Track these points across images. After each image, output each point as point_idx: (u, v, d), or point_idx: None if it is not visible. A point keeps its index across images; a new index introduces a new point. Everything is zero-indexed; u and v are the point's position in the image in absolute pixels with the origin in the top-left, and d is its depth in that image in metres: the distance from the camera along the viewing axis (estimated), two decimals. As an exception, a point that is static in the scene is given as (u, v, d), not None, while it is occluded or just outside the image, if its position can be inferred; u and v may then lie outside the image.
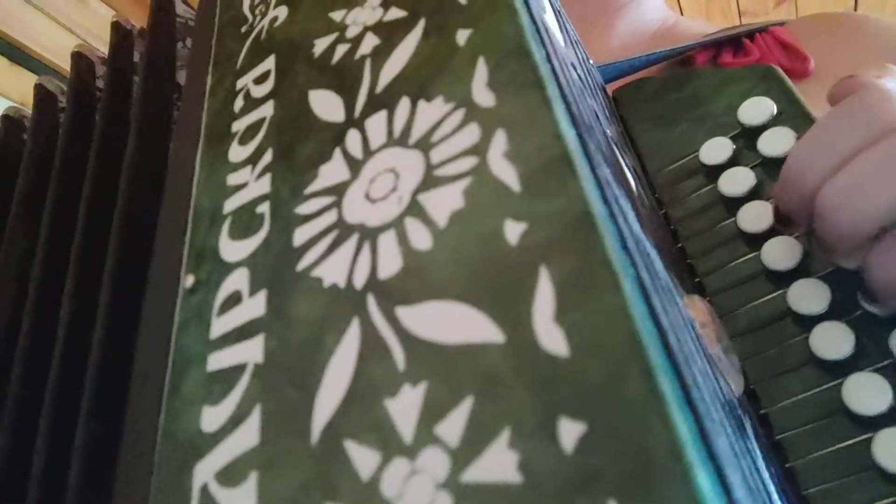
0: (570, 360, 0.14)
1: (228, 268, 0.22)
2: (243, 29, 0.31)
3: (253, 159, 0.25)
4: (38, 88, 0.44)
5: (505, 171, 0.18)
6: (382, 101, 0.22)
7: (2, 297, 0.33)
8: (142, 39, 0.43)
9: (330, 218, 0.21)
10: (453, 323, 0.16)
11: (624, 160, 0.36)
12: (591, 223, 0.15)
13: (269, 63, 0.28)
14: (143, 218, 0.27)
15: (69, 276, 0.28)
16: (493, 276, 0.16)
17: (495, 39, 0.21)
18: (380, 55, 0.24)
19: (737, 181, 0.40)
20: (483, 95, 0.20)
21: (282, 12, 0.30)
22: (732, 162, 0.41)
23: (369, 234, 0.19)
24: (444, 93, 0.21)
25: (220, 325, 0.21)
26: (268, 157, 0.24)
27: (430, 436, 0.15)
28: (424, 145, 0.20)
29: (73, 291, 0.28)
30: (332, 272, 0.19)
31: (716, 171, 0.41)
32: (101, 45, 0.44)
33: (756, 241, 0.38)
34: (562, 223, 0.16)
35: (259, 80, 0.28)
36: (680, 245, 0.41)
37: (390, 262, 0.18)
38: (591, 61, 0.48)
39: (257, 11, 0.31)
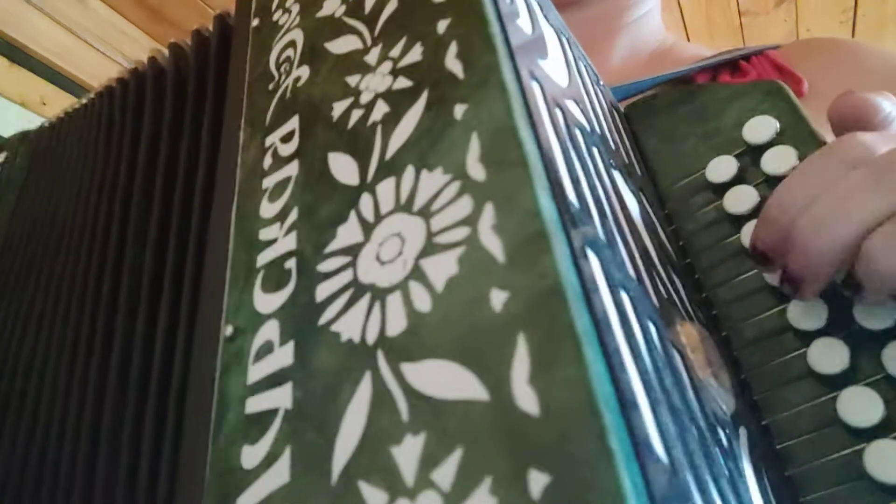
0: (540, 419, 0.17)
1: (262, 318, 0.26)
2: (270, 86, 0.34)
3: (281, 217, 0.28)
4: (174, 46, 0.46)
5: (492, 243, 0.20)
6: (391, 167, 0.25)
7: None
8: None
9: (346, 277, 0.24)
10: (448, 380, 0.19)
11: (630, 187, 0.39)
12: (559, 297, 0.18)
13: (294, 123, 0.31)
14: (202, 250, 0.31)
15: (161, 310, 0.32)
16: (480, 338, 0.19)
17: (487, 116, 0.23)
18: (389, 122, 0.27)
19: (741, 199, 0.42)
20: (476, 169, 0.22)
21: (304, 72, 0.33)
22: (738, 179, 0.43)
23: (379, 295, 0.22)
24: (443, 164, 0.23)
25: (256, 372, 0.24)
26: (294, 215, 0.28)
27: (428, 480, 0.18)
28: (426, 213, 0.23)
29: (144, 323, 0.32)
30: (349, 328, 0.23)
31: (722, 189, 0.43)
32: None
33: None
34: (535, 295, 0.19)
35: (285, 139, 0.31)
36: (688, 260, 0.44)
37: (397, 321, 0.21)
38: (602, 82, 0.50)
39: (282, 69, 0.34)
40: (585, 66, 0.45)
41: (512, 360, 0.18)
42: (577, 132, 0.31)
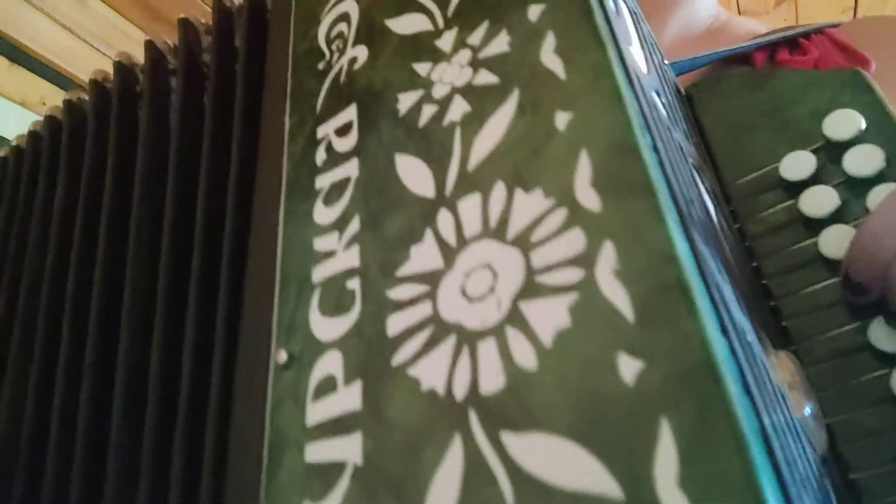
0: (695, 536, 0.14)
1: (321, 347, 0.22)
2: (321, 66, 0.30)
3: (340, 225, 0.25)
4: (149, 45, 0.42)
5: (616, 294, 0.17)
6: (475, 181, 0.22)
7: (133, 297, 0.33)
8: (240, 18, 0.42)
9: (425, 310, 0.21)
10: (564, 463, 0.16)
11: (706, 188, 0.35)
12: (710, 369, 0.15)
13: (352, 113, 0.27)
14: (240, 254, 0.27)
15: (188, 319, 0.28)
16: (609, 418, 0.16)
17: (599, 130, 0.20)
18: (470, 126, 0.23)
19: (819, 201, 0.39)
20: (587, 196, 0.19)
21: (361, 53, 0.29)
22: (815, 178, 0.40)
23: (468, 338, 0.19)
24: (544, 185, 0.20)
25: (317, 412, 0.21)
26: (355, 224, 0.24)
27: (545, 591, 0.15)
28: (524, 244, 0.20)
29: (194, 327, 0.28)
30: (430, 375, 0.19)
31: (797, 188, 0.40)
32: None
33: (837, 266, 0.37)
34: (681, 368, 0.15)
35: (341, 132, 0.27)
36: (755, 264, 0.40)
37: (493, 377, 0.18)
38: (666, 61, 0.46)
39: (334, 47, 0.30)
40: (653, 44, 0.41)
41: (654, 452, 0.15)
42: (670, 135, 0.27)
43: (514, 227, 0.20)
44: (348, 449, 0.20)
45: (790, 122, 0.43)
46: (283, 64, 0.32)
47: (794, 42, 0.59)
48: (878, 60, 0.53)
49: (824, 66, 0.54)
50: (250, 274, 0.26)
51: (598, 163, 0.19)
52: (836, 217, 0.38)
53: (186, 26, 0.40)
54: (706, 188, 0.36)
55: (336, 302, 0.23)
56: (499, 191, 0.21)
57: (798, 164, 0.41)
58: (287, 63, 0.32)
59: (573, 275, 0.18)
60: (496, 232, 0.20)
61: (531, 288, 0.19)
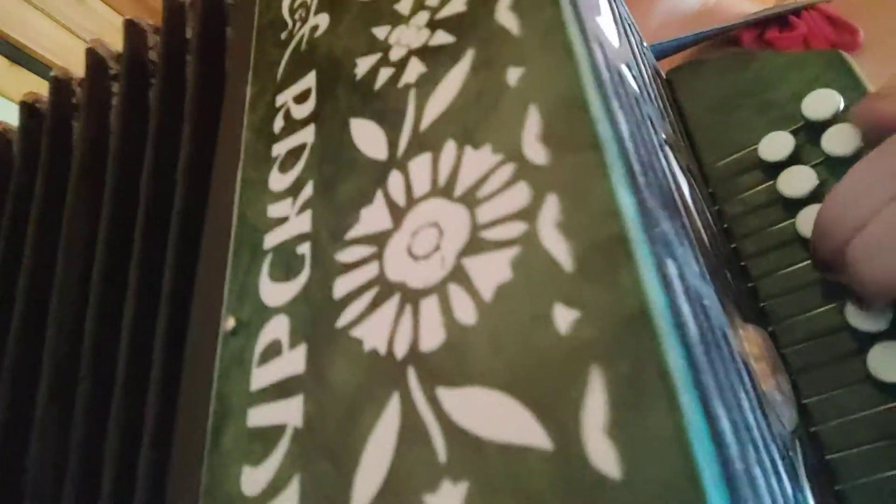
0: (621, 486, 0.13)
1: (269, 313, 0.22)
2: (283, 35, 0.30)
3: (293, 191, 0.24)
4: (90, 52, 0.43)
5: (556, 245, 0.17)
6: (427, 141, 0.21)
7: (67, 295, 0.33)
8: (193, 11, 0.42)
9: (371, 271, 0.20)
10: (497, 416, 0.15)
11: (679, 165, 0.34)
12: (648, 323, 0.14)
13: (310, 80, 0.27)
14: (196, 228, 0.27)
15: (128, 297, 0.28)
16: (541, 368, 0.15)
17: (549, 84, 0.19)
18: (425, 86, 0.22)
19: (797, 181, 0.38)
20: (534, 150, 0.18)
21: (323, 21, 0.28)
22: (794, 159, 0.39)
23: (411, 297, 0.19)
24: (493, 141, 0.19)
25: (261, 377, 0.21)
26: (308, 190, 0.24)
27: (471, 546, 0.14)
28: (470, 201, 0.19)
29: (132, 309, 0.28)
30: (373, 335, 0.19)
31: (775, 168, 0.39)
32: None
33: (817, 247, 0.36)
34: (615, 318, 0.15)
35: (300, 99, 0.27)
36: (734, 245, 0.40)
37: (433, 333, 0.18)
38: (645, 43, 0.45)
39: (297, 16, 0.30)
40: (630, 24, 0.40)
41: (583, 400, 0.14)
42: (636, 104, 0.26)
43: (462, 185, 0.19)
44: (289, 412, 0.19)
45: (770, 104, 0.42)
46: (246, 36, 0.32)
47: (783, 20, 0.58)
48: (868, 29, 0.52)
49: (813, 39, 0.53)
50: (205, 244, 0.26)
51: (546, 117, 0.19)
52: (815, 197, 0.37)
53: (131, 27, 0.40)
54: (680, 166, 0.35)
55: (286, 267, 0.23)
56: (449, 149, 0.20)
57: (776, 145, 0.40)
58: (251, 35, 0.32)
59: (516, 228, 0.17)
60: (444, 190, 0.20)
61: (475, 244, 0.18)
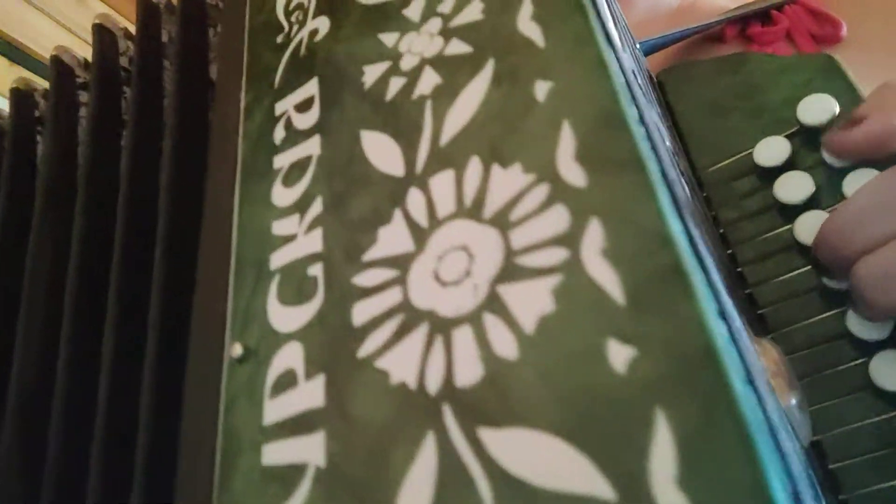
0: (699, 543, 0.12)
1: (280, 339, 0.21)
2: (279, 39, 0.28)
3: (300, 206, 0.23)
4: (55, 61, 0.41)
5: (604, 275, 0.16)
6: (448, 157, 0.20)
7: (35, 310, 0.31)
8: (170, 15, 0.40)
9: (394, 297, 0.19)
10: (549, 461, 0.14)
11: (677, 170, 0.34)
12: (714, 360, 0.13)
13: (312, 87, 0.25)
14: (186, 247, 0.25)
15: (109, 313, 0.26)
16: (598, 410, 0.14)
17: (583, 100, 0.18)
18: (442, 98, 0.21)
19: (794, 187, 0.38)
20: (571, 171, 0.17)
21: (322, 24, 0.27)
22: (789, 164, 0.39)
23: (442, 327, 0.18)
24: (523, 160, 0.18)
25: (275, 410, 0.19)
26: (317, 206, 0.22)
27: None
28: (502, 223, 0.18)
29: (114, 330, 0.26)
30: (400, 367, 0.18)
31: (771, 173, 0.39)
32: None
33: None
34: (679, 356, 0.14)
35: (302, 108, 0.25)
36: (730, 251, 0.39)
37: (469, 368, 0.16)
38: (638, 45, 0.45)
39: (293, 19, 0.28)
40: (625, 27, 0.39)
41: (649, 447, 0.13)
42: (657, 116, 0.26)
43: (492, 206, 0.18)
44: (310, 450, 0.18)
45: (764, 108, 0.42)
46: (238, 38, 0.30)
47: (765, 15, 0.58)
48: (850, 22, 0.52)
49: (795, 33, 0.53)
50: (202, 262, 0.24)
51: (582, 135, 0.18)
52: (812, 203, 0.37)
53: (101, 31, 0.38)
54: (682, 171, 0.34)
55: (297, 290, 0.21)
56: (474, 167, 0.19)
57: (772, 150, 0.40)
58: (243, 37, 0.30)
59: (557, 255, 0.16)
60: (471, 211, 0.19)
61: (511, 270, 0.17)
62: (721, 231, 0.40)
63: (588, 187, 0.17)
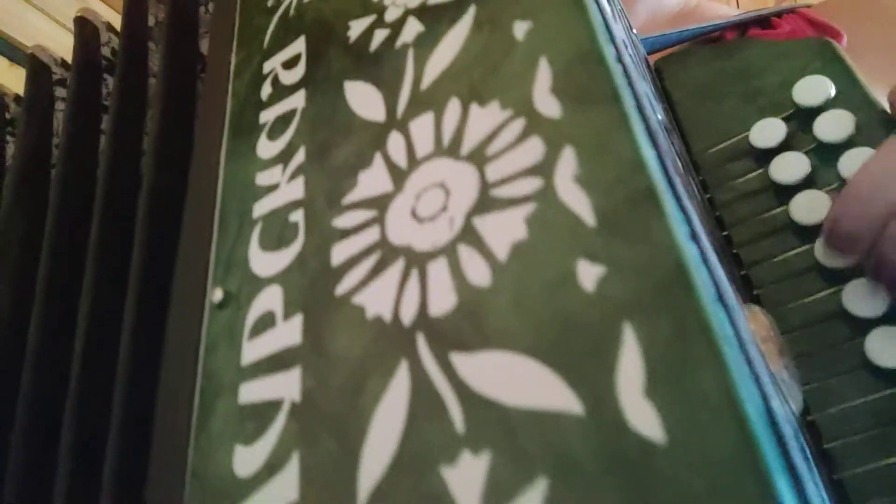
0: (667, 450, 0.12)
1: (260, 283, 0.21)
2: (270, 2, 0.28)
3: (284, 157, 0.23)
4: (32, 59, 0.41)
5: (576, 200, 0.15)
6: (428, 100, 0.20)
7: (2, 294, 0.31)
8: (157, 2, 0.41)
9: (372, 236, 0.19)
10: (520, 381, 0.14)
11: (674, 147, 0.34)
12: (685, 278, 0.13)
13: (300, 45, 0.25)
14: (171, 211, 0.25)
15: (87, 273, 0.26)
16: (567, 329, 0.14)
17: (560, 37, 0.18)
18: (424, 45, 0.21)
19: (790, 167, 0.38)
20: (547, 104, 0.17)
21: (311, -15, 0.27)
22: (785, 145, 0.39)
23: (417, 260, 0.17)
24: (501, 97, 0.18)
25: (253, 350, 0.19)
26: (300, 156, 0.22)
27: (497, 519, 0.13)
28: (479, 158, 0.18)
29: (91, 289, 0.26)
30: (376, 301, 0.18)
31: (767, 155, 0.39)
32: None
33: (809, 233, 0.36)
34: (649, 275, 0.14)
35: (289, 65, 0.25)
36: (726, 233, 0.39)
37: (443, 297, 0.16)
38: (635, 31, 0.45)
39: (284, -17, 0.28)
40: (620, 11, 0.39)
41: (616, 361, 0.13)
42: (645, 69, 0.25)
43: (469, 143, 0.18)
44: (285, 386, 0.18)
45: (759, 91, 0.42)
46: (230, 4, 0.30)
47: (765, 21, 0.58)
48: (852, 38, 0.53)
49: (795, 38, 0.53)
50: (187, 215, 0.24)
51: (558, 70, 0.18)
52: (808, 183, 0.36)
53: (83, 24, 0.39)
54: (676, 151, 0.34)
55: (277, 236, 0.21)
56: (453, 108, 0.19)
57: (768, 132, 0.39)
58: (235, 3, 0.30)
59: (530, 184, 0.16)
60: (449, 149, 0.19)
61: (486, 202, 0.17)
62: (717, 213, 0.40)
63: (562, 118, 0.17)
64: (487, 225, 0.17)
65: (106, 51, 0.40)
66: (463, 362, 0.15)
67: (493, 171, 0.17)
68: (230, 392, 0.19)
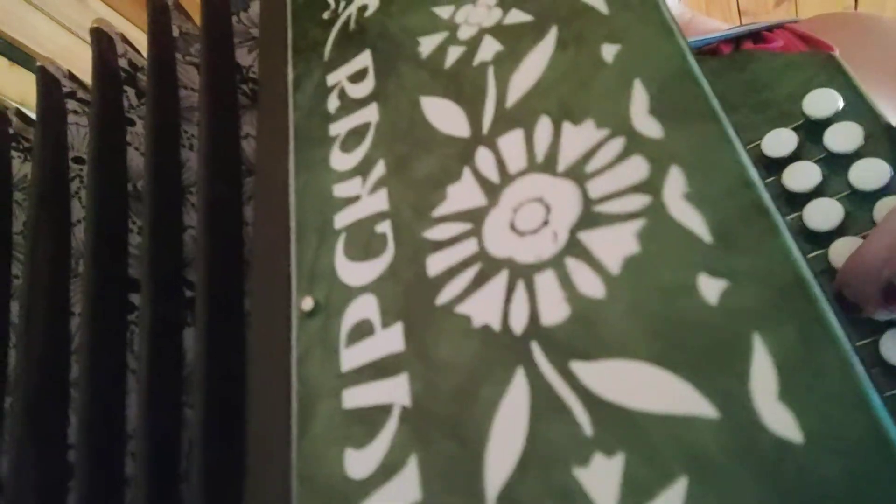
0: (805, 447, 0.13)
1: (352, 292, 0.21)
2: (326, 15, 0.29)
3: (362, 170, 0.23)
4: (42, 72, 0.41)
5: (688, 217, 0.16)
6: (515, 118, 0.21)
7: (35, 312, 0.31)
8: (178, 13, 0.41)
9: (469, 248, 0.20)
10: (647, 388, 0.15)
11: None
12: (804, 287, 0.14)
13: (366, 59, 0.26)
14: (230, 221, 0.26)
15: (144, 288, 0.27)
16: (692, 338, 0.15)
17: (653, 60, 0.19)
18: (504, 64, 0.22)
19: (802, 176, 0.39)
20: (646, 124, 0.18)
21: (372, 1, 0.28)
22: (796, 155, 0.40)
23: (522, 273, 0.18)
24: (595, 116, 0.19)
25: (353, 357, 0.20)
26: (380, 168, 0.23)
27: (640, 517, 0.14)
28: (578, 175, 0.19)
29: (149, 302, 0.26)
30: (482, 311, 0.18)
31: (778, 165, 0.40)
32: None
33: (822, 239, 0.38)
34: (771, 286, 0.15)
35: (355, 79, 0.26)
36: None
37: (554, 308, 0.17)
38: None
39: (340, -4, 0.29)
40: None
41: (748, 369, 0.14)
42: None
43: (565, 160, 0.19)
44: (394, 391, 0.19)
45: (769, 102, 0.43)
46: (280, 16, 0.31)
47: (757, 35, 0.60)
48: (844, 49, 0.54)
49: (788, 51, 0.55)
50: (257, 227, 0.25)
51: (655, 91, 0.19)
52: (819, 192, 0.38)
53: (98, 35, 0.39)
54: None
55: (365, 246, 0.22)
56: (544, 125, 0.20)
57: (780, 142, 0.41)
58: (285, 14, 0.31)
59: (638, 201, 0.17)
60: (544, 166, 0.20)
61: (590, 217, 0.18)
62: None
63: (665, 138, 0.18)
64: (594, 239, 0.18)
65: (123, 62, 0.40)
66: (583, 369, 0.16)
67: (596, 188, 0.18)
68: (332, 397, 0.20)
